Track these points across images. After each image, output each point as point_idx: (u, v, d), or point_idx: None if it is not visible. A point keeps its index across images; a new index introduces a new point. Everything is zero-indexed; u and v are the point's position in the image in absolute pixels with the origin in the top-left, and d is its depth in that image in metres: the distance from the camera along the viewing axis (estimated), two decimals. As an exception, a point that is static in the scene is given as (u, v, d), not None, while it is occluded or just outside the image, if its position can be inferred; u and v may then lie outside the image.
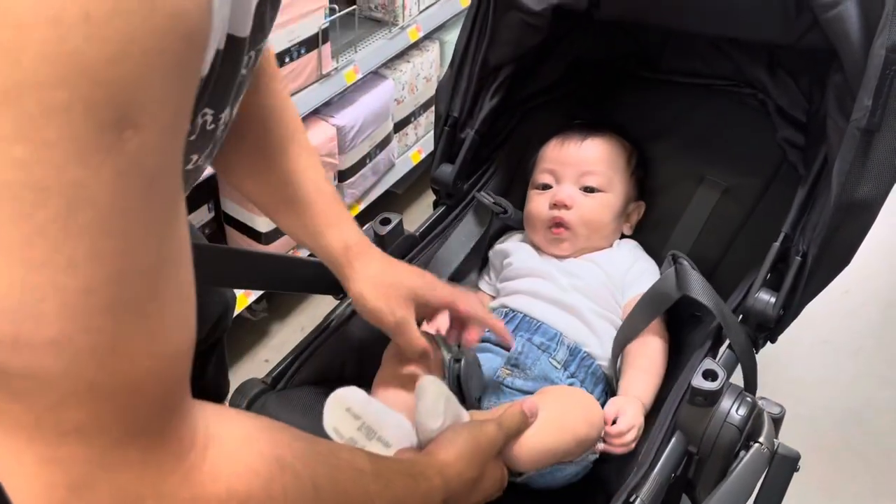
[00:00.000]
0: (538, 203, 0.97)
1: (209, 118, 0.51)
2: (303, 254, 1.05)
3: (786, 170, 0.98)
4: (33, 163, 0.30)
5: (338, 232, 0.77)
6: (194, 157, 0.55)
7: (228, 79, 0.50)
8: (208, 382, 1.03)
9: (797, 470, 0.92)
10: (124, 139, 0.32)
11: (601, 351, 0.89)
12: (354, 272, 0.77)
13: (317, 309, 1.85)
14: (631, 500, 0.69)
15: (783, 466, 0.82)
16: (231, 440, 0.42)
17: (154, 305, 0.36)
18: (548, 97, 1.08)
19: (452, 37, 1.93)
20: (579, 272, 0.92)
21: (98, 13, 0.29)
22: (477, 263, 1.05)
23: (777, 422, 0.79)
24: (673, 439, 0.74)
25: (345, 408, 0.68)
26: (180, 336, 0.39)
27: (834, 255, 0.78)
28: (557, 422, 0.74)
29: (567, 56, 1.05)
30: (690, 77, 1.05)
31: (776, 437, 0.78)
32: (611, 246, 0.97)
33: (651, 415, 0.83)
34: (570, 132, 1.00)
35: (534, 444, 0.71)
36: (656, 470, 0.72)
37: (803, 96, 0.96)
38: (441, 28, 1.95)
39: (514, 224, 1.03)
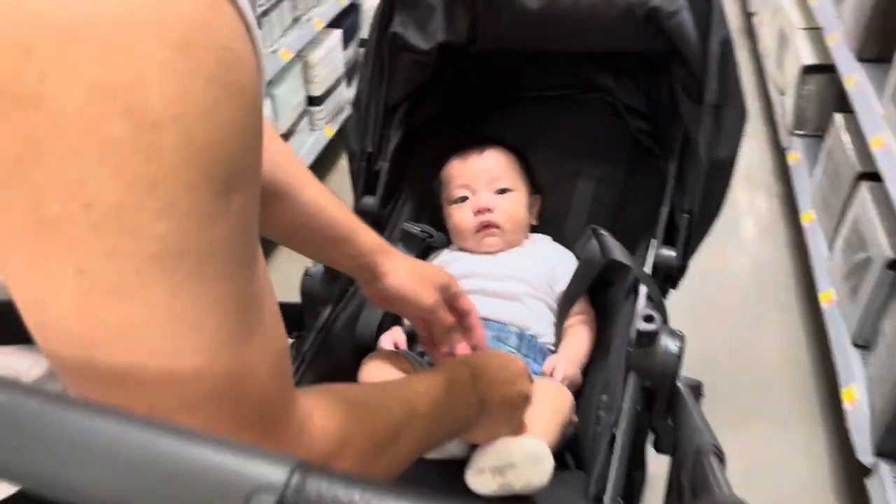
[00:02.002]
0: (462, 215, 1.10)
1: None
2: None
3: (641, 153, 1.18)
4: (171, 234, 0.36)
5: (368, 232, 0.85)
6: None
7: None
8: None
9: (703, 395, 1.12)
10: (231, 201, 0.39)
11: (541, 329, 1.02)
12: (391, 264, 0.86)
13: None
14: (614, 430, 0.82)
15: (693, 393, 1.01)
16: (320, 406, 0.51)
17: (260, 325, 0.44)
18: (436, 127, 1.22)
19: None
20: (512, 263, 1.06)
21: (209, 105, 0.36)
22: None
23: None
24: (630, 380, 0.89)
25: None
26: (281, 341, 0.47)
27: (710, 208, 0.98)
28: (553, 412, 0.86)
29: (446, 89, 1.20)
30: (551, 90, 1.24)
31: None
32: (528, 238, 1.12)
33: (596, 373, 0.98)
34: (467, 150, 1.15)
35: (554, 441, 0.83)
36: (624, 409, 0.86)
37: (643, 94, 1.17)
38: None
39: (437, 245, 1.15)
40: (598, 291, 1.10)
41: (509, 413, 0.77)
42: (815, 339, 2.10)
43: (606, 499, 0.76)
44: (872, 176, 1.86)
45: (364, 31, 3.12)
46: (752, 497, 1.75)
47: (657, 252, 0.99)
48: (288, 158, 0.80)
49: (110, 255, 0.35)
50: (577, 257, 1.09)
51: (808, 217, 2.30)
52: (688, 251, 0.99)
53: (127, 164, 0.34)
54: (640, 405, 0.89)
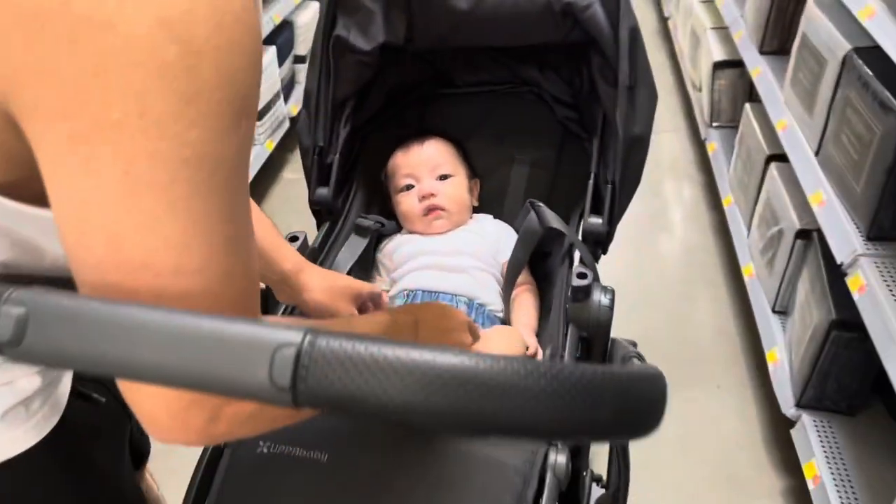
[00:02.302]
0: (408, 201, 1.19)
1: None
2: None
3: (569, 137, 1.30)
4: (198, 142, 0.45)
5: (288, 257, 0.94)
6: None
7: None
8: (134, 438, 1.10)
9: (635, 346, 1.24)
10: (240, 125, 0.48)
11: (489, 298, 1.13)
12: (307, 284, 0.95)
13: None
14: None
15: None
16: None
17: (248, 243, 0.53)
18: (378, 122, 1.31)
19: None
20: (459, 240, 1.16)
21: (235, 39, 0.45)
22: (361, 275, 1.24)
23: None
24: (569, 332, 1.00)
25: None
26: (258, 276, 0.56)
27: (630, 179, 1.10)
28: (506, 351, 0.96)
29: (386, 87, 1.30)
30: (481, 86, 1.35)
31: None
32: (472, 217, 1.22)
33: (541, 332, 1.09)
34: (409, 142, 1.25)
35: None
36: (565, 356, 0.97)
37: (566, 84, 1.29)
38: None
39: (388, 232, 1.25)
40: (537, 262, 1.21)
41: None
42: (741, 310, 2.26)
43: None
44: (780, 157, 2.03)
45: (298, 48, 3.19)
46: (692, 456, 1.90)
47: (586, 220, 1.11)
48: None
49: (151, 156, 0.43)
50: (517, 231, 1.20)
51: (728, 201, 2.47)
52: (613, 218, 1.11)
53: (175, 82, 0.42)
54: (580, 354, 1.00)
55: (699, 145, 3.02)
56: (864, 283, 1.42)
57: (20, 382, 0.69)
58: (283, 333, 0.38)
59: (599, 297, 0.99)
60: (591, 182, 1.13)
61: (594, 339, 1.01)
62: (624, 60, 1.04)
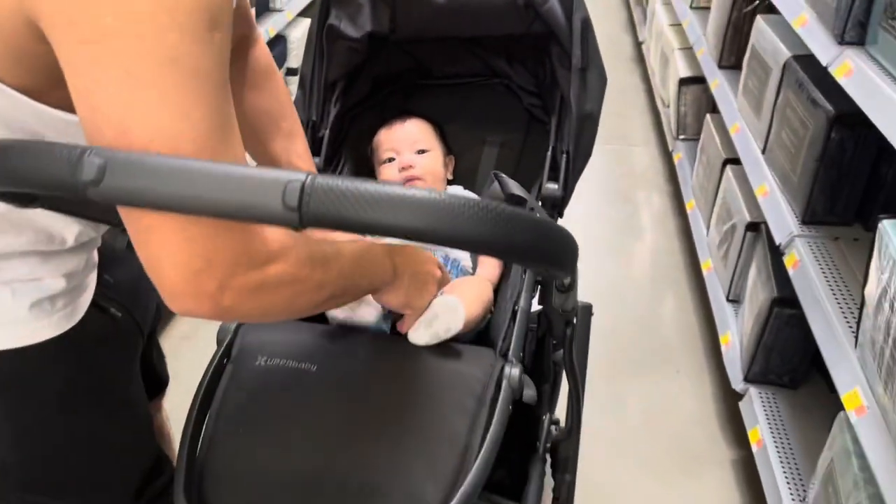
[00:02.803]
0: (390, 172, 1.35)
1: None
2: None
3: (533, 121, 1.47)
4: (178, 43, 0.58)
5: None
6: None
7: None
8: (153, 366, 1.22)
9: (593, 314, 1.39)
10: (213, 37, 0.61)
11: (461, 255, 1.28)
12: None
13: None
14: (515, 308, 1.08)
15: (586, 312, 1.28)
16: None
17: (234, 147, 0.65)
18: (364, 105, 1.47)
19: None
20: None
21: None
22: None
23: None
24: (526, 275, 1.15)
25: None
26: (243, 155, 0.69)
27: (582, 150, 1.26)
28: (477, 299, 1.10)
29: (372, 74, 1.46)
30: (457, 78, 1.51)
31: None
32: (446, 189, 1.38)
33: (504, 284, 1.24)
34: (392, 120, 1.40)
35: (470, 314, 1.06)
36: (522, 293, 1.11)
37: (531, 75, 1.46)
38: None
39: None
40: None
41: (419, 287, 0.98)
42: (700, 303, 2.43)
43: (510, 354, 1.01)
44: (735, 161, 2.21)
45: (290, 61, 3.37)
46: (654, 432, 2.05)
47: (544, 186, 1.26)
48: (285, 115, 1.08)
49: (142, 56, 0.57)
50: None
51: (691, 205, 2.65)
52: (567, 184, 1.27)
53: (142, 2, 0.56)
54: (537, 294, 1.15)
55: (667, 157, 3.21)
56: (797, 259, 1.59)
57: (46, 281, 0.83)
58: (292, 173, 0.54)
59: None
60: (548, 154, 1.29)
61: (548, 282, 1.15)
62: (577, 46, 1.21)
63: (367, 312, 1.05)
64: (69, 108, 0.64)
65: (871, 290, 1.20)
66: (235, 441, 0.93)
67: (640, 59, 4.01)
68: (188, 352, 1.97)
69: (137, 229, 0.62)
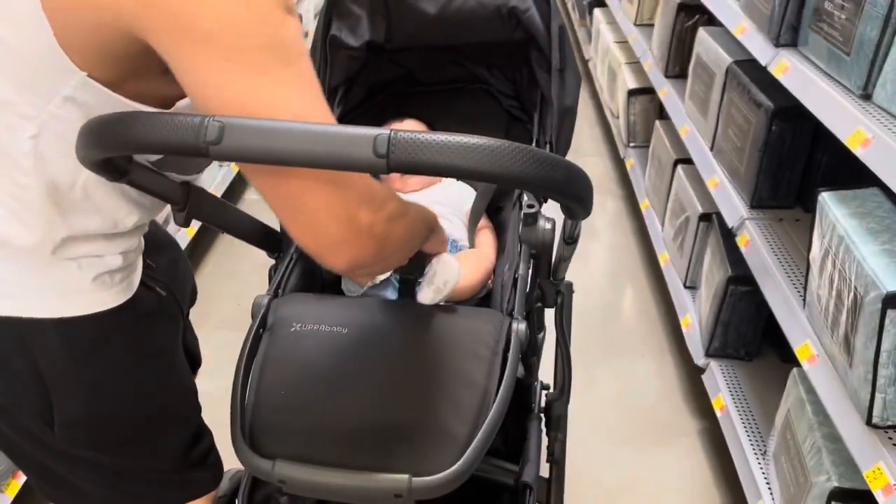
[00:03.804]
0: None
1: None
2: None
3: (513, 121, 1.63)
4: (268, 31, 0.71)
5: None
6: None
7: None
8: (188, 346, 1.33)
9: (574, 292, 1.55)
10: (291, 18, 0.74)
11: (460, 236, 1.42)
12: None
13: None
14: (516, 276, 1.23)
15: (568, 288, 1.44)
16: None
17: (320, 91, 0.78)
18: (360, 110, 1.62)
19: None
20: (433, 194, 1.46)
21: None
22: None
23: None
24: (522, 250, 1.30)
25: None
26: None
27: (564, 140, 1.43)
28: (477, 264, 1.25)
29: (367, 81, 1.60)
30: (442, 84, 1.67)
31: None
32: (440, 181, 1.53)
33: (500, 261, 1.39)
34: (391, 121, 1.55)
35: (471, 278, 1.20)
36: (520, 263, 1.27)
37: (509, 80, 1.62)
38: None
39: None
40: (494, 216, 1.51)
41: (440, 243, 1.13)
42: (659, 292, 2.62)
43: (515, 313, 1.16)
44: (685, 160, 2.42)
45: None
46: (624, 410, 2.22)
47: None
48: None
49: (245, 48, 0.70)
50: (475, 189, 1.51)
51: (645, 204, 2.86)
52: (552, 171, 1.43)
53: (260, 11, 0.70)
54: (531, 265, 1.30)
55: (619, 164, 3.43)
56: (748, 239, 1.78)
57: (107, 258, 0.95)
58: (378, 130, 0.68)
59: (544, 223, 1.30)
60: (533, 144, 1.45)
61: (541, 256, 1.31)
62: (556, 50, 1.38)
63: (384, 285, 1.18)
64: (137, 97, 0.78)
65: (815, 253, 1.40)
66: (281, 394, 1.05)
67: (588, 76, 4.25)
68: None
69: (289, 196, 0.75)
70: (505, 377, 1.04)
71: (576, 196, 0.76)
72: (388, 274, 1.18)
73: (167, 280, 1.12)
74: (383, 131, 0.67)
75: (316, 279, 1.33)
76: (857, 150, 1.26)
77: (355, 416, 1.02)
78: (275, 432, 1.03)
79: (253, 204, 3.15)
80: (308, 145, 0.68)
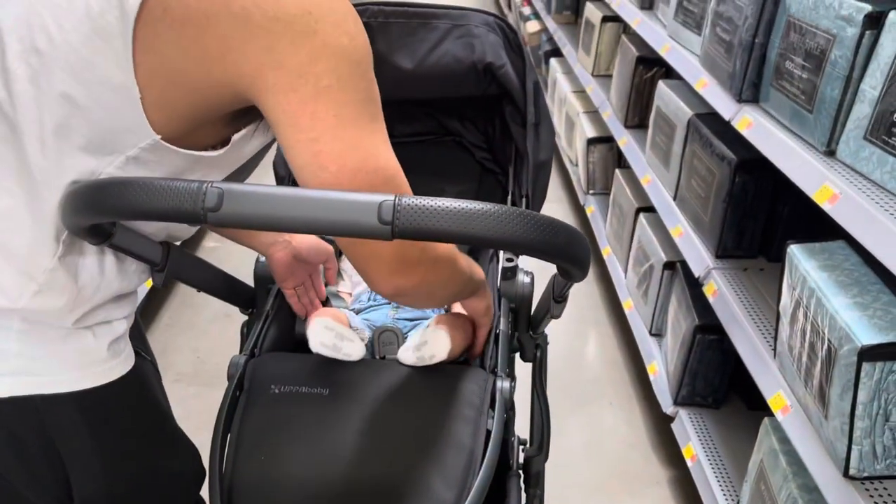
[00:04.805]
0: None
1: None
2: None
3: (485, 172, 1.65)
4: (360, 90, 0.76)
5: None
6: None
7: None
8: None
9: (549, 343, 1.54)
10: (369, 76, 0.78)
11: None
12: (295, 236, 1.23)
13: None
14: (497, 331, 1.22)
15: (545, 341, 1.44)
16: None
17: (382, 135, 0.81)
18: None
19: None
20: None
21: (356, 31, 0.75)
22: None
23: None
24: (502, 304, 1.29)
25: (323, 326, 1.11)
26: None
27: (539, 193, 1.44)
28: (465, 335, 1.23)
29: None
30: (415, 136, 1.67)
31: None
32: None
33: None
34: None
35: (455, 346, 1.19)
36: (500, 317, 1.26)
37: (481, 133, 1.64)
38: None
39: None
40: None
41: (482, 309, 1.16)
42: (624, 339, 2.64)
43: (497, 370, 1.15)
44: (647, 209, 2.47)
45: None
46: (594, 458, 2.22)
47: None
48: None
49: (345, 104, 0.73)
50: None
51: (607, 251, 2.89)
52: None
53: (345, 64, 0.73)
54: (511, 319, 1.30)
55: (579, 211, 3.48)
56: (715, 289, 1.81)
57: (114, 324, 0.93)
58: (383, 196, 0.67)
59: (523, 277, 1.30)
60: (509, 199, 1.46)
61: (521, 310, 1.31)
62: (531, 105, 1.39)
63: (352, 349, 1.14)
64: (192, 147, 0.79)
65: (785, 304, 1.42)
66: (260, 458, 1.01)
67: (544, 124, 4.32)
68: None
69: (349, 243, 0.81)
70: (492, 439, 1.03)
71: (576, 260, 0.76)
72: (361, 351, 1.15)
73: (146, 346, 1.11)
74: (388, 197, 0.66)
75: (294, 337, 1.30)
76: (825, 206, 1.30)
77: (340, 484, 0.99)
78: (253, 495, 0.99)
79: (211, 252, 3.09)
80: (311, 212, 0.67)
